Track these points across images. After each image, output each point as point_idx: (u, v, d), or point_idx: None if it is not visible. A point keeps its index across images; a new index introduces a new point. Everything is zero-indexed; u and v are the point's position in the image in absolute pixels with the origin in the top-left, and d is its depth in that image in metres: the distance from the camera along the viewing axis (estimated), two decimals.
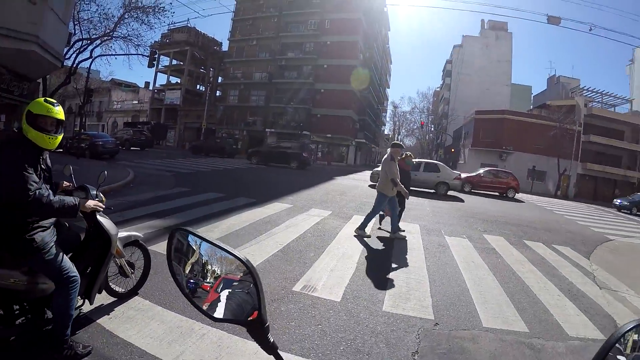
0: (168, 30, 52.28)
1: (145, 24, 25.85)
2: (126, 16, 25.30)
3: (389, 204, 8.13)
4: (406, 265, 6.29)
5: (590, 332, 4.38)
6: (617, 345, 0.99)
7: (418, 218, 11.00)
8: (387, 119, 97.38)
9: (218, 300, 0.96)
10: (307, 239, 7.35)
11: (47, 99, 2.97)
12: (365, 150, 61.91)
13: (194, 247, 1.05)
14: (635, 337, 1.05)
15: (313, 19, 48.86)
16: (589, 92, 49.10)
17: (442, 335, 3.90)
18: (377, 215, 8.49)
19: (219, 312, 0.95)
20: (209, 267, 1.02)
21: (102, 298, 3.85)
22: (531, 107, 62.49)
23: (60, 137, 3.03)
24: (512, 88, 72.61)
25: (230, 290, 0.96)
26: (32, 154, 2.85)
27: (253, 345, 3.24)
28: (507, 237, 9.53)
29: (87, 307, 3.56)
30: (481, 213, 13.90)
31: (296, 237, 7.35)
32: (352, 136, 49.03)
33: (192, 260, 1.05)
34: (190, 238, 1.06)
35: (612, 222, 18.11)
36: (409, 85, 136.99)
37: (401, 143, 8.69)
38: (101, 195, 3.63)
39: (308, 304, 4.30)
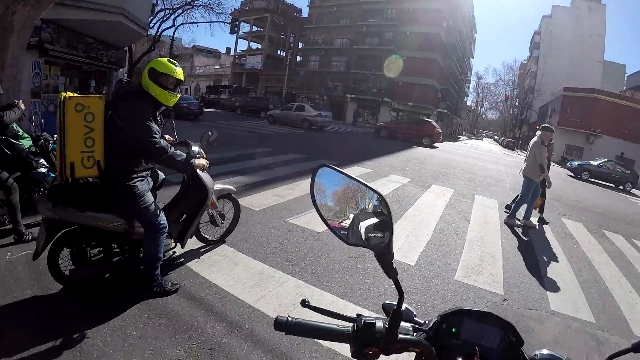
0: None
1: None
2: None
3: (526, 190, 7.73)
4: (482, 239, 6.27)
5: None
6: None
7: (497, 194, 10.79)
8: (470, 90, 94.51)
9: (353, 228, 1.07)
10: None
11: (170, 59, 3.21)
12: (447, 121, 59.96)
13: (336, 181, 1.14)
14: None
15: None
16: None
17: (509, 311, 3.94)
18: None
19: (354, 238, 1.05)
20: (348, 200, 1.12)
21: (192, 243, 4.24)
22: (624, 87, 57.31)
23: (178, 96, 3.29)
24: (604, 65, 66.43)
25: (364, 220, 1.06)
26: (153, 108, 3.14)
27: (329, 297, 3.58)
28: (586, 224, 9.09)
29: (179, 251, 3.97)
30: (560, 196, 13.17)
31: None
32: (433, 106, 47.37)
33: (334, 192, 1.14)
34: (333, 173, 1.14)
35: None
36: (495, 56, 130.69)
37: (552, 127, 8.05)
38: (202, 152, 3.91)
39: None
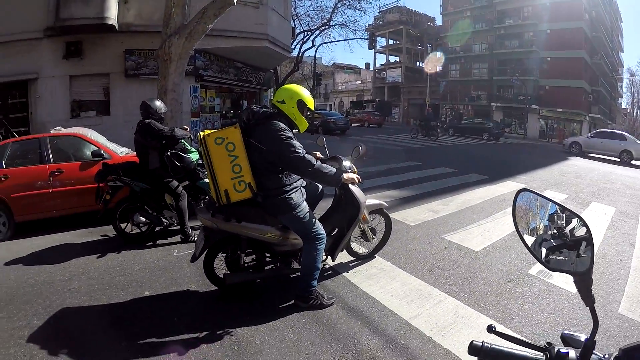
0: (379, 12, 53.90)
1: (358, 10, 27.47)
2: (339, 5, 26.95)
3: None
4: None
5: None
6: None
7: None
8: (624, 89, 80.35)
9: (554, 253, 1.08)
10: None
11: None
12: (601, 128, 53.37)
13: (536, 206, 1.16)
14: None
15: None
16: None
17: None
18: None
19: (554, 263, 1.07)
20: (549, 224, 1.12)
21: (343, 256, 4.35)
22: None
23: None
24: None
25: (563, 245, 1.06)
26: (289, 128, 3.33)
27: (486, 320, 3.39)
28: None
29: (332, 263, 4.14)
30: None
31: None
32: (585, 110, 41.92)
33: (534, 218, 1.16)
34: (533, 197, 1.16)
35: None
36: None
37: None
38: (353, 167, 3.98)
39: (543, 290, 4.12)
